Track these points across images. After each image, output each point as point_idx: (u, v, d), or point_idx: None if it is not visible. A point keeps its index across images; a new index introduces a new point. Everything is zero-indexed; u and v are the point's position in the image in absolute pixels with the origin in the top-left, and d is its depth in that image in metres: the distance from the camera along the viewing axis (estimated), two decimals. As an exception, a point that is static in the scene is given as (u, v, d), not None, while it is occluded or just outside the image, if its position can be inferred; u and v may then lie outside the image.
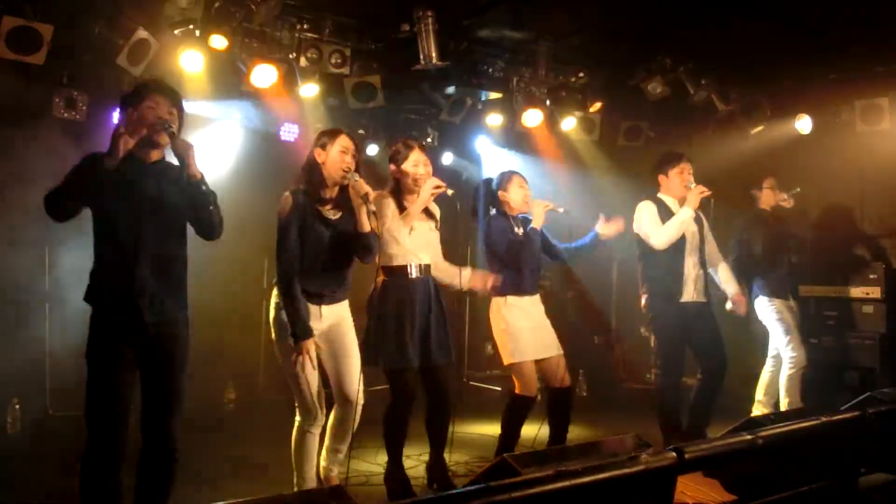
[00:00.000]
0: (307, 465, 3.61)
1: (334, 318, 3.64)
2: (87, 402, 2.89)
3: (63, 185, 2.87)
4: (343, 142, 3.60)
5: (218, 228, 3.08)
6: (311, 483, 3.61)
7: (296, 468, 3.63)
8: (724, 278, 5.03)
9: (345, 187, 3.60)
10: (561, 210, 4.36)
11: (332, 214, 3.60)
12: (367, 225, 3.54)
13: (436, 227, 4.08)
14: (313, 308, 3.55)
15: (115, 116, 5.14)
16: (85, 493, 2.87)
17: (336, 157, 3.56)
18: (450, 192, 3.90)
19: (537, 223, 4.29)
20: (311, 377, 3.52)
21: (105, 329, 2.92)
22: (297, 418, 3.62)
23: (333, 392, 3.72)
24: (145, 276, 2.93)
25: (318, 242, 3.54)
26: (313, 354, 3.45)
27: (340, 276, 3.65)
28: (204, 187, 2.98)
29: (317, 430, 3.62)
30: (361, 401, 3.71)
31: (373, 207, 3.55)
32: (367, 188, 3.52)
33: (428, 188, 3.87)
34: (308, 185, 3.58)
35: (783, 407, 5.22)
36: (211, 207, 3.01)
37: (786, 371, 5.26)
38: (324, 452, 3.75)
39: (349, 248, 3.62)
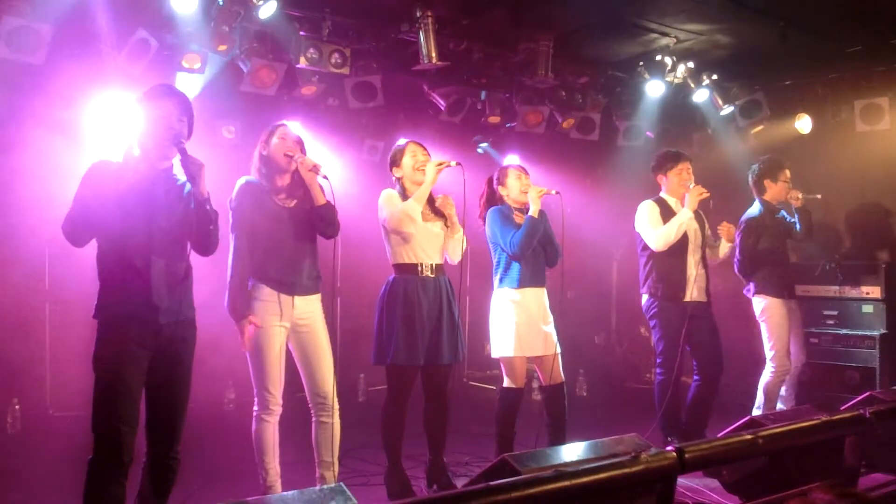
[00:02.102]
0: (267, 456, 3.57)
1: (306, 314, 3.62)
2: (95, 410, 2.88)
3: (78, 214, 2.90)
4: (282, 131, 3.67)
5: (215, 246, 3.13)
6: (275, 475, 3.58)
7: (257, 460, 3.60)
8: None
9: (295, 174, 3.63)
10: (553, 192, 4.36)
11: (288, 203, 3.63)
12: (321, 198, 3.59)
13: (446, 224, 4.08)
14: (286, 298, 3.56)
15: (118, 118, 5.14)
16: (90, 499, 2.87)
17: (277, 145, 3.61)
18: (454, 163, 3.93)
19: (534, 210, 4.27)
20: (272, 361, 3.52)
21: (118, 334, 2.91)
22: (255, 407, 3.60)
23: (309, 399, 3.67)
24: (159, 277, 2.96)
25: (278, 229, 3.56)
26: (250, 333, 3.47)
27: (306, 260, 3.64)
28: (208, 206, 3.02)
29: (272, 419, 3.58)
30: (336, 405, 3.66)
31: (323, 174, 3.58)
32: (315, 161, 3.58)
33: (432, 167, 3.91)
34: (258, 177, 3.63)
35: (755, 411, 5.05)
36: (211, 227, 3.05)
37: (766, 376, 5.09)
38: (317, 470, 3.69)
39: (310, 228, 3.63)
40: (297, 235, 3.61)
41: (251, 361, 3.57)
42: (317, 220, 3.60)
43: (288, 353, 3.65)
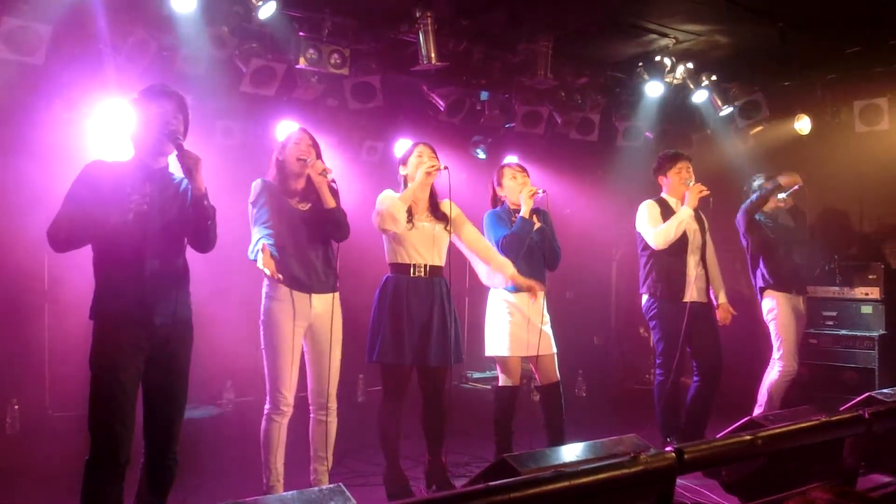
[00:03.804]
0: (272, 455, 3.61)
1: (324, 313, 3.65)
2: (92, 410, 2.88)
3: (74, 214, 2.87)
4: (297, 135, 3.72)
5: (213, 243, 3.13)
6: (278, 476, 3.61)
7: (262, 459, 3.63)
8: (715, 285, 5.01)
9: (309, 178, 3.67)
10: (541, 192, 4.35)
11: (302, 206, 3.67)
12: (330, 201, 3.62)
13: (446, 227, 4.08)
14: (303, 297, 3.59)
15: (117, 118, 5.14)
16: (88, 499, 2.87)
17: (291, 149, 3.67)
18: (443, 167, 3.97)
19: (524, 211, 4.29)
20: (286, 363, 3.56)
21: (114, 335, 2.91)
22: (266, 405, 3.64)
23: (310, 395, 3.72)
24: (154, 277, 2.95)
25: (293, 230, 3.60)
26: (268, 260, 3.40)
27: (320, 261, 3.68)
28: (206, 202, 3.01)
29: (282, 420, 3.62)
30: (334, 405, 3.71)
31: (331, 177, 3.62)
32: (324, 166, 3.63)
33: (422, 170, 3.94)
34: (274, 181, 3.69)
35: (757, 411, 5.11)
36: (209, 222, 3.04)
37: (773, 376, 5.16)
38: (311, 463, 3.74)
39: (322, 231, 3.67)
40: (311, 238, 3.65)
41: (266, 361, 3.62)
42: (326, 224, 3.64)
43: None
